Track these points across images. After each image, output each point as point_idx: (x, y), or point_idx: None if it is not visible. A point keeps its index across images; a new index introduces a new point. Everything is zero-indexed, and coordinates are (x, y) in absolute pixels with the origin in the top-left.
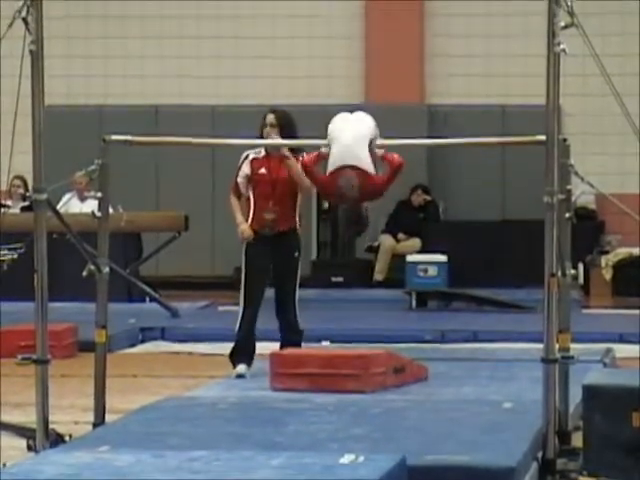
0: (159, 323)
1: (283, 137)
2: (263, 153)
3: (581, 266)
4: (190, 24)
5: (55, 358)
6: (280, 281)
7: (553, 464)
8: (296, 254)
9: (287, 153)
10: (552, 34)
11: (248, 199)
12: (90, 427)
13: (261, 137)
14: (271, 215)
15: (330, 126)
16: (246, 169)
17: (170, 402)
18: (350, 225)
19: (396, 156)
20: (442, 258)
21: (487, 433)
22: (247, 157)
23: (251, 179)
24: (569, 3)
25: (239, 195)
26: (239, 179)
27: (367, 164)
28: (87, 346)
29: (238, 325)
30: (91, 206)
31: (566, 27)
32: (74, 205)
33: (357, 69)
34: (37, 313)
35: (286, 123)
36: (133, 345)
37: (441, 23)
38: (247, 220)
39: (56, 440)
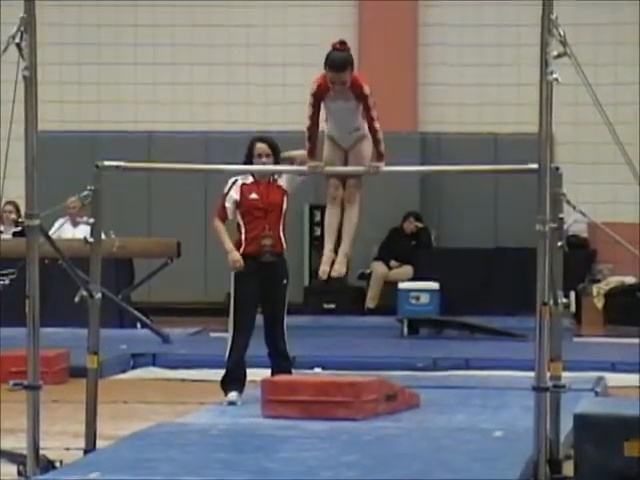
0: (150, 349)
1: (275, 163)
2: (251, 179)
3: (573, 294)
4: (183, 51)
5: (47, 384)
6: (269, 308)
7: None
8: (284, 281)
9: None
10: (545, 63)
11: (238, 225)
12: (81, 453)
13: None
14: (269, 240)
15: None
16: (235, 194)
17: (161, 428)
18: None
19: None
20: (434, 286)
21: (479, 461)
22: (235, 182)
23: (241, 205)
24: (562, 33)
25: (224, 220)
26: (227, 204)
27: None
28: (79, 372)
29: (228, 353)
30: (83, 232)
31: (559, 56)
32: (66, 231)
33: None
34: (29, 339)
35: (277, 149)
36: (124, 371)
37: (434, 52)
38: (239, 247)
39: (47, 466)
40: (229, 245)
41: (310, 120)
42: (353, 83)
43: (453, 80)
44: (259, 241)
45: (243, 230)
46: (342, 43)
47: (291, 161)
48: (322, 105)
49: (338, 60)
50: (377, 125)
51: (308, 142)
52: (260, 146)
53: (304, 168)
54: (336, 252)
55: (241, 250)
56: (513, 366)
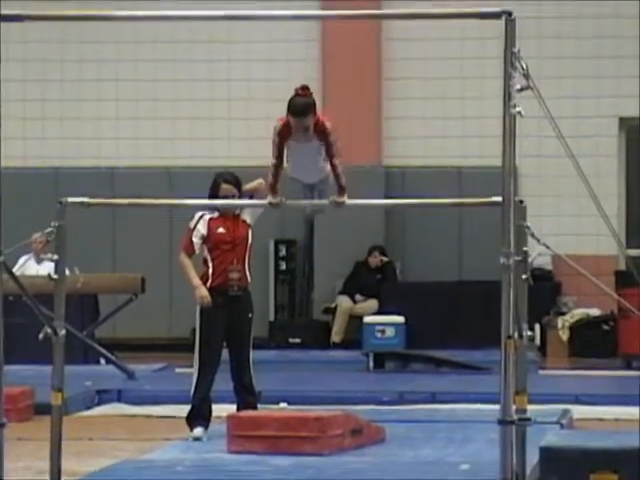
0: (115, 385)
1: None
2: (217, 213)
3: (538, 327)
4: (146, 86)
5: (11, 421)
6: (235, 343)
7: None
8: (250, 315)
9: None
10: (508, 96)
11: (205, 260)
12: None
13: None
14: (236, 274)
15: None
16: (202, 229)
17: (126, 465)
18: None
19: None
20: (399, 319)
21: None
22: (202, 217)
23: (208, 239)
24: (524, 66)
25: (191, 254)
26: (194, 239)
27: None
28: (43, 409)
29: (194, 388)
30: (47, 268)
31: (522, 90)
32: (30, 267)
33: None
34: None
35: (240, 184)
36: (89, 408)
37: (398, 86)
38: (206, 280)
39: None
40: (196, 281)
41: (275, 159)
42: (316, 124)
43: (417, 114)
44: (227, 274)
45: (210, 264)
46: (304, 88)
47: (251, 193)
48: (285, 145)
49: (300, 105)
50: (337, 161)
51: (272, 178)
52: (225, 187)
53: (265, 202)
54: None
55: (208, 284)
56: (479, 399)
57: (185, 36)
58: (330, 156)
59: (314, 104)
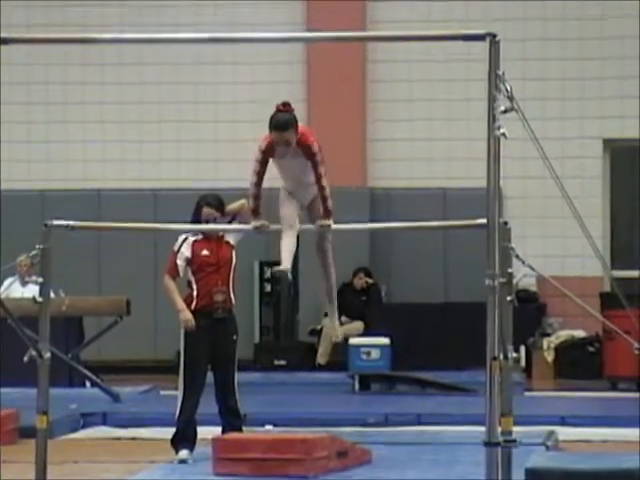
0: (100, 408)
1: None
2: (201, 236)
3: (523, 349)
4: (132, 109)
5: None
6: (219, 365)
7: None
8: (234, 337)
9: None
10: (492, 118)
11: (189, 282)
12: None
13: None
14: (221, 296)
15: None
16: (186, 252)
17: None
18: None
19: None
20: (385, 341)
21: None
22: (186, 239)
23: (192, 261)
24: (509, 88)
25: (175, 277)
26: (179, 261)
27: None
28: (29, 432)
29: (179, 411)
30: (32, 291)
31: (506, 111)
32: (15, 290)
33: None
34: None
35: (223, 206)
36: (75, 430)
37: (383, 107)
38: (190, 303)
39: None
40: (181, 304)
41: (256, 175)
42: (300, 141)
43: (402, 135)
44: (212, 296)
45: (195, 286)
46: (285, 104)
47: (234, 214)
48: (272, 162)
49: (281, 120)
50: (325, 182)
51: (253, 200)
52: (207, 211)
53: (249, 227)
54: None
55: (193, 306)
56: (464, 421)
57: (171, 59)
58: (317, 177)
59: (295, 119)
